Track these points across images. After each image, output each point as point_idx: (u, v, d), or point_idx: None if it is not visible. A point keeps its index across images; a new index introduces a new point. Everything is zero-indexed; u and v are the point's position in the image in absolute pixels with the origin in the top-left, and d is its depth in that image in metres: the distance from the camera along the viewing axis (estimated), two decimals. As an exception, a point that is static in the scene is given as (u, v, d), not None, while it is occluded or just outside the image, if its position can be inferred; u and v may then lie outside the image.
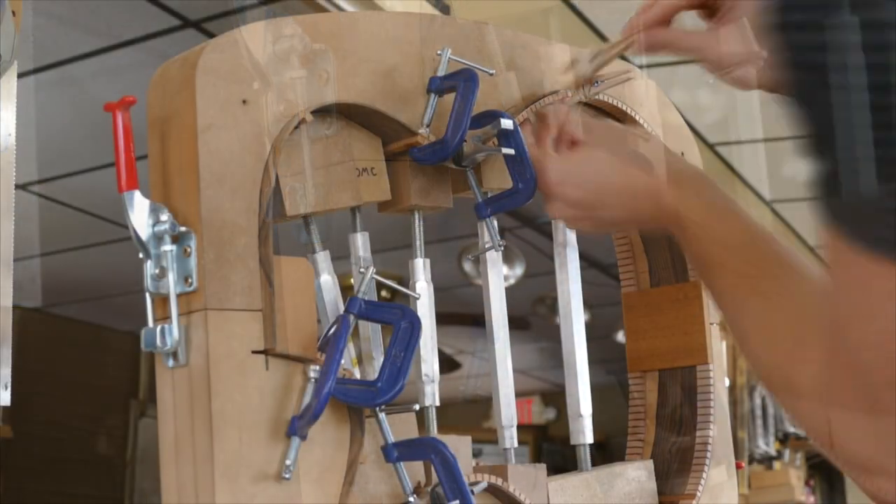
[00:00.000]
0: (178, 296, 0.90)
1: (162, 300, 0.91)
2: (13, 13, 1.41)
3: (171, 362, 0.91)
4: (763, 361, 0.86)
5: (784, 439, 5.39)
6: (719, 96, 3.88)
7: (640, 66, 1.29)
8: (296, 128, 0.98)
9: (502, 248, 1.15)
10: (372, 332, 1.08)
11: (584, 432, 1.20)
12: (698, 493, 1.24)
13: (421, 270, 1.10)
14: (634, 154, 1.02)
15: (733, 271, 0.91)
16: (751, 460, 5.02)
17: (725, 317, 0.91)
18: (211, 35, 3.19)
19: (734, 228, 0.93)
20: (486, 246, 1.14)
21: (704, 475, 1.25)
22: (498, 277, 1.17)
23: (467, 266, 5.14)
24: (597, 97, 1.22)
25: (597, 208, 1.03)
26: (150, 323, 0.91)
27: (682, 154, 1.32)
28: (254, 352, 0.91)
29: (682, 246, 0.98)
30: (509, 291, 1.19)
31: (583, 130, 1.04)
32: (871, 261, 0.67)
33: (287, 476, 0.90)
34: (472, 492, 0.98)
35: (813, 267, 0.85)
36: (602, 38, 3.42)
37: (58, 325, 6.49)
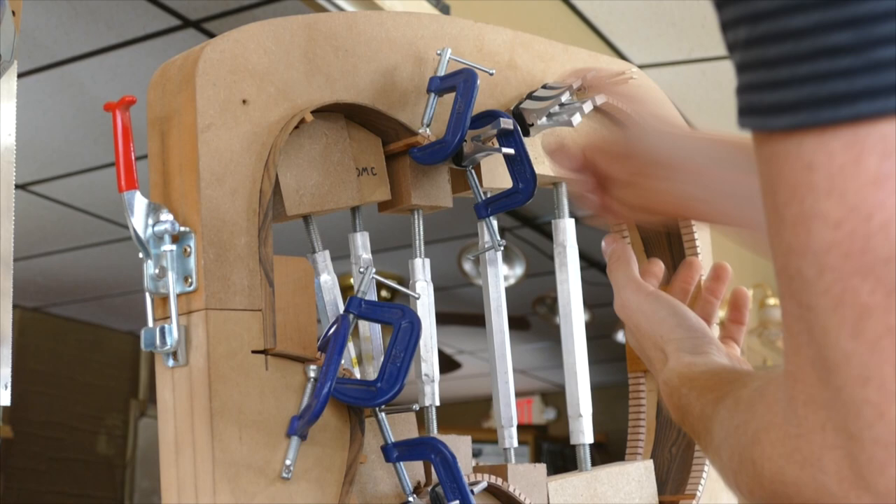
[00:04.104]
0: (178, 296, 0.90)
1: (162, 300, 0.91)
2: (13, 13, 1.41)
3: (171, 362, 0.91)
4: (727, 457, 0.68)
5: (784, 439, 5.39)
6: (718, 95, 3.88)
7: (640, 66, 1.29)
8: (296, 127, 0.98)
9: (502, 248, 1.15)
10: (372, 332, 1.08)
11: (584, 432, 1.20)
12: (698, 493, 1.24)
13: (421, 270, 1.10)
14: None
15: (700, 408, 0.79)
16: (751, 460, 5.02)
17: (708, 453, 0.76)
18: (211, 35, 3.20)
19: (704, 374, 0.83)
20: (486, 246, 1.14)
21: (704, 475, 1.25)
22: (498, 277, 1.17)
23: (467, 266, 5.14)
24: (597, 97, 1.22)
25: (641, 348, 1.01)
26: (150, 323, 0.91)
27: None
28: (254, 352, 0.91)
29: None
30: (509, 291, 1.19)
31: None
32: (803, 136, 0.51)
33: (287, 476, 0.90)
34: (472, 492, 0.98)
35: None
36: (602, 38, 3.42)
37: (58, 325, 6.49)
